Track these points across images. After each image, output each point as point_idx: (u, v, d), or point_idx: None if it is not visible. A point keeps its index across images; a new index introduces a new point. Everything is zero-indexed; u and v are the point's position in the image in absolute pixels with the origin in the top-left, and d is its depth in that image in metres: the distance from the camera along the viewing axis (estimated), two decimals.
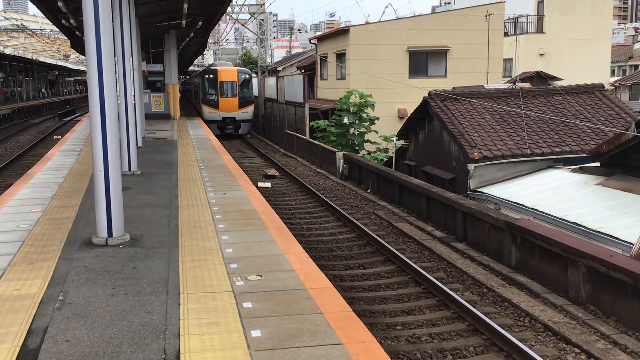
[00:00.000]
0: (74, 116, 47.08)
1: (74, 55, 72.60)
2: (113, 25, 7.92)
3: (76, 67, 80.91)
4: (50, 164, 13.75)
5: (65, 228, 7.87)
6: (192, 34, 28.20)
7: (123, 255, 6.69)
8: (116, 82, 8.38)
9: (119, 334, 4.68)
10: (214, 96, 31.18)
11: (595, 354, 6.80)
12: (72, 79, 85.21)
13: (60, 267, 6.28)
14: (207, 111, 31.09)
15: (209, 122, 28.45)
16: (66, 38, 33.72)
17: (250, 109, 32.21)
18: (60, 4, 16.24)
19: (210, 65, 39.48)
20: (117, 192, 7.29)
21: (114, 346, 4.48)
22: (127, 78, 13.60)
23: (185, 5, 18.09)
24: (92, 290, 5.61)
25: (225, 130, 31.02)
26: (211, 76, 31.63)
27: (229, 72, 31.87)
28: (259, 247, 7.01)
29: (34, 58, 57.82)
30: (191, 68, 67.58)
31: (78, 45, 30.40)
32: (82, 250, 6.91)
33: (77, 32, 23.12)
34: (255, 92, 35.77)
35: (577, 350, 7.01)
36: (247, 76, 32.78)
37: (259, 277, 5.95)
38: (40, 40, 57.22)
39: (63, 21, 20.58)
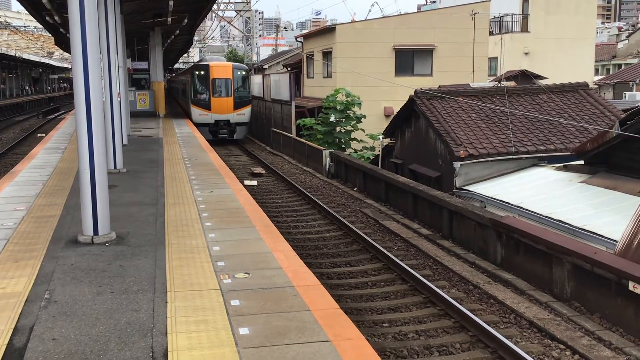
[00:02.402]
0: (58, 114, 46.68)
1: (57, 52, 72.08)
2: (98, 22, 7.86)
3: (60, 65, 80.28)
4: (35, 161, 13.64)
5: (51, 226, 7.82)
6: (177, 32, 28.08)
7: (109, 254, 6.65)
8: (101, 79, 8.33)
9: (105, 332, 4.65)
10: (205, 96, 27.30)
11: (580, 350, 6.87)
12: (56, 76, 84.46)
13: (45, 265, 6.24)
14: (197, 113, 27.24)
15: (199, 126, 25.20)
16: (50, 35, 33.42)
17: (247, 111, 28.05)
18: (44, 0, 16.10)
19: (201, 60, 33.61)
20: (102, 190, 7.25)
21: (101, 344, 4.46)
22: (112, 75, 13.51)
23: (171, 3, 18.00)
24: (78, 289, 5.57)
25: (218, 135, 27.37)
26: (202, 72, 27.60)
27: (222, 68, 27.81)
28: (246, 245, 7.00)
29: (17, 55, 57.24)
30: (176, 66, 67.28)
31: (62, 42, 30.16)
32: (67, 248, 6.87)
33: (61, 29, 22.92)
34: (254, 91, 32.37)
35: (562, 346, 7.08)
36: (244, 72, 28.58)
37: (247, 275, 5.94)
38: (24, 38, 56.73)
39: (47, 18, 20.41)
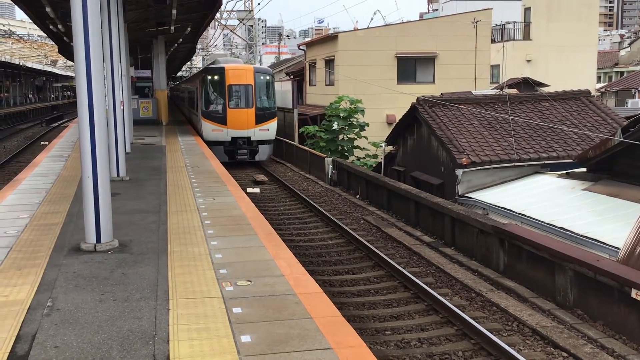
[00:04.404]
0: (61, 122, 46.85)
1: (61, 60, 72.34)
2: (101, 31, 7.91)
3: (64, 73, 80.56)
4: (38, 169, 13.67)
5: (54, 234, 7.83)
6: (180, 40, 28.18)
7: (112, 261, 6.66)
8: (105, 87, 8.38)
9: (108, 340, 4.66)
10: (219, 106, 22.22)
11: (583, 357, 6.86)
12: (59, 84, 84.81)
13: (48, 273, 6.25)
14: (210, 128, 22.09)
15: (212, 144, 20.74)
16: (54, 44, 33.58)
17: (272, 125, 22.64)
18: (48, 9, 16.19)
19: (213, 62, 26.47)
20: (105, 198, 7.27)
21: (103, 352, 4.47)
22: (115, 84, 13.56)
23: (174, 11, 18.08)
24: (80, 296, 5.58)
25: (236, 156, 22.23)
26: (215, 77, 22.47)
27: (241, 72, 22.48)
28: (248, 253, 7.01)
29: (21, 64, 57.51)
30: (180, 74, 67.50)
31: (66, 50, 30.26)
32: (70, 256, 6.88)
33: (65, 38, 23.04)
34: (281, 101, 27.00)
35: (564, 354, 7.07)
36: (268, 77, 23.04)
37: (249, 283, 5.95)
38: (27, 46, 57.01)
39: (51, 27, 20.51)
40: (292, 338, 4.69)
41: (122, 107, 14.12)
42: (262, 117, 22.30)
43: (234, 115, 22.00)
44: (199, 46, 49.71)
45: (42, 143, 28.39)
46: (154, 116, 27.62)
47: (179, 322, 4.99)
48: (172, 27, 21.95)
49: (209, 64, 26.10)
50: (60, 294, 5.65)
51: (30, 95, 68.32)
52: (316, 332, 4.81)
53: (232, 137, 22.14)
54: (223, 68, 22.44)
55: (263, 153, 22.83)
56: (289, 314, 5.18)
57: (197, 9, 20.56)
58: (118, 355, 4.41)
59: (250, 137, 22.27)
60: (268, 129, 22.49)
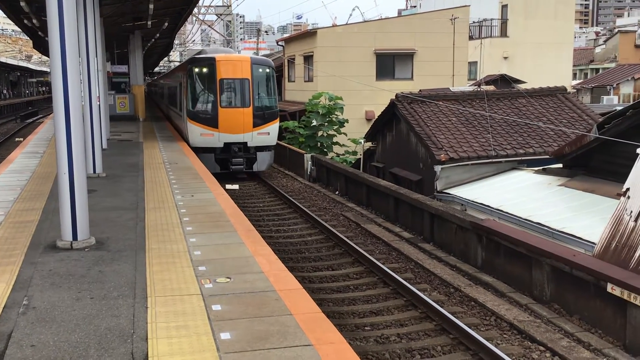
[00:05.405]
0: (36, 118, 46.21)
1: (36, 56, 71.40)
2: (77, 25, 7.80)
3: (39, 68, 79.34)
4: (12, 166, 13.46)
5: (29, 232, 7.72)
6: (158, 35, 27.93)
7: (88, 259, 6.58)
8: (80, 83, 8.27)
9: (85, 338, 4.60)
10: (209, 106, 18.45)
11: (560, 351, 6.94)
12: (34, 80, 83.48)
13: (24, 271, 6.15)
14: (198, 132, 18.27)
15: (200, 151, 17.57)
16: (28, 38, 33.08)
17: (272, 128, 18.86)
18: (22, 3, 15.92)
19: (200, 52, 21.88)
20: (82, 195, 7.17)
21: (80, 350, 4.41)
22: (91, 79, 13.40)
23: (151, 6, 17.91)
24: (57, 295, 5.51)
25: (230, 166, 18.55)
26: (204, 70, 18.62)
27: (236, 63, 18.59)
28: (227, 250, 6.97)
29: None
30: (157, 69, 66.92)
31: (41, 45, 29.80)
32: (46, 254, 6.78)
33: (39, 33, 22.71)
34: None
35: (541, 348, 7.14)
36: (268, 70, 19.05)
37: (228, 280, 5.92)
38: (1, 41, 56.08)
39: (25, 21, 20.19)
40: (272, 335, 4.67)
41: (98, 103, 13.97)
42: (261, 118, 18.56)
43: (227, 116, 18.21)
44: (176, 41, 49.26)
45: (16, 139, 27.95)
46: (130, 112, 27.36)
47: (158, 319, 4.95)
48: (149, 22, 21.74)
49: (196, 54, 21.57)
50: (36, 292, 5.57)
51: (5, 91, 67.22)
52: (296, 328, 4.80)
53: (225, 143, 18.39)
54: (213, 59, 18.47)
55: (262, 162, 19.05)
56: (268, 310, 5.16)
57: (175, 4, 20.40)
58: (96, 354, 4.36)
59: (246, 143, 18.56)
60: (268, 133, 18.74)
